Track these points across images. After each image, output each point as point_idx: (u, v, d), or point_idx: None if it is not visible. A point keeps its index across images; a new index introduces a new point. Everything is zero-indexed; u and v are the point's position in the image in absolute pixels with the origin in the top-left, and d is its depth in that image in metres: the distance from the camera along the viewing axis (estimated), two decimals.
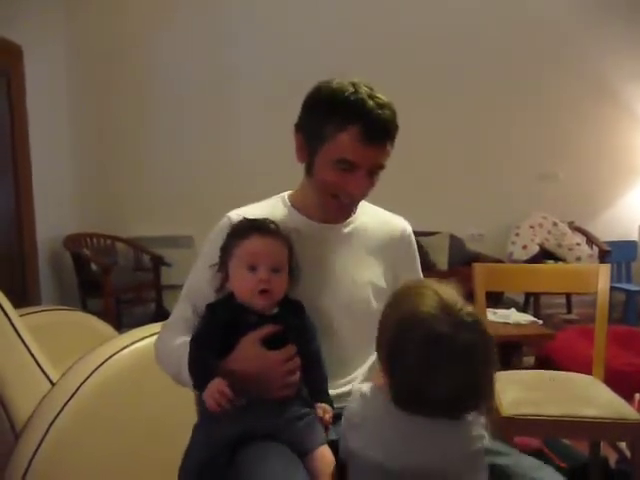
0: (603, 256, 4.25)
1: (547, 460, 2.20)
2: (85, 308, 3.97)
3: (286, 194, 1.30)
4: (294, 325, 1.09)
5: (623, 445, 2.24)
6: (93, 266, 4.03)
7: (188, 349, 1.05)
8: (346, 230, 1.25)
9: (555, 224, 4.46)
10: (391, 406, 0.93)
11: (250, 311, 1.07)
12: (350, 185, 1.14)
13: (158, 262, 4.25)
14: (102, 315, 2.81)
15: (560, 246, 4.36)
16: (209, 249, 1.18)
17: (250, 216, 1.16)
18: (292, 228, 1.17)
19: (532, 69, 4.63)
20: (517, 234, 4.40)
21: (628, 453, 2.13)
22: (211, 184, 4.41)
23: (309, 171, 1.20)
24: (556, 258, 4.31)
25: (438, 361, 0.88)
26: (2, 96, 3.65)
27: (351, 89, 1.11)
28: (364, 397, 0.99)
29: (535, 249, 4.31)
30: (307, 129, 1.17)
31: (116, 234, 4.44)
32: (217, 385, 0.99)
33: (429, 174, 4.56)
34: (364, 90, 1.11)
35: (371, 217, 1.31)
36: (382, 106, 1.10)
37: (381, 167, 1.15)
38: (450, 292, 0.93)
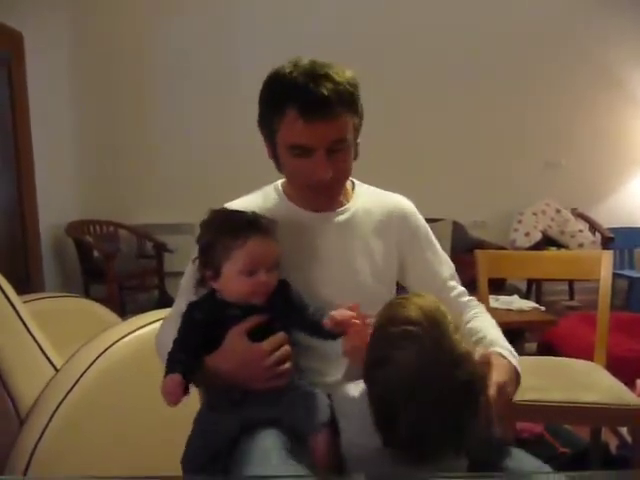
0: (606, 243, 4.24)
1: (548, 445, 2.22)
2: (88, 295, 3.98)
3: (280, 182, 1.26)
4: (280, 309, 1.06)
5: (624, 431, 2.25)
6: (96, 253, 4.04)
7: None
8: (342, 217, 1.21)
9: (558, 211, 4.45)
10: None
11: (233, 305, 1.04)
12: (313, 170, 1.08)
13: (161, 249, 4.26)
14: (105, 302, 2.82)
15: (563, 233, 4.35)
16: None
17: (242, 209, 1.12)
18: (284, 218, 1.14)
19: (536, 56, 4.59)
20: (520, 221, 4.39)
21: (629, 438, 2.14)
22: (214, 171, 4.41)
23: (278, 166, 1.17)
24: (559, 245, 4.30)
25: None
26: (3, 83, 3.64)
27: (288, 70, 1.06)
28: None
29: (538, 236, 4.30)
30: (262, 123, 1.14)
31: (119, 221, 4.45)
32: (170, 381, 0.98)
33: (432, 161, 4.55)
34: (303, 67, 1.05)
35: (368, 198, 1.26)
36: (319, 80, 1.03)
37: (341, 142, 1.08)
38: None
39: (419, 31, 4.46)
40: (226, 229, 1.04)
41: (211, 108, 4.49)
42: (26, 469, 1.40)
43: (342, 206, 1.22)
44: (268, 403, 1.02)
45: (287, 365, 1.04)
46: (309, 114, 1.03)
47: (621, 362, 2.43)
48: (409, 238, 1.26)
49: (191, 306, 1.07)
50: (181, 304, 1.14)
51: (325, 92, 1.03)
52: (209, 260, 1.05)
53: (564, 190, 4.62)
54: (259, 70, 1.20)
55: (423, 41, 4.46)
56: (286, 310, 1.07)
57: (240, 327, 1.03)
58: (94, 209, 4.41)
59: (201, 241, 1.07)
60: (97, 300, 2.66)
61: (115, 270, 3.87)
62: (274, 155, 1.15)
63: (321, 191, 1.13)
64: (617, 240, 4.27)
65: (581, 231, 4.37)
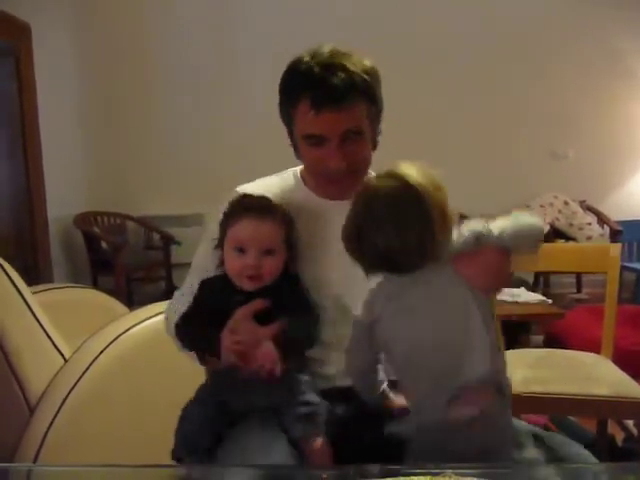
0: (614, 235, 4.21)
1: None
2: (96, 286, 4.00)
3: (299, 168, 1.26)
4: (285, 299, 1.06)
5: (630, 423, 2.25)
6: (104, 244, 4.06)
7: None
8: None
9: (566, 203, 4.42)
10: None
11: (237, 289, 1.06)
12: (327, 160, 1.09)
13: (168, 240, 4.28)
14: (113, 293, 2.84)
15: (571, 225, 4.33)
16: (214, 225, 1.17)
17: (256, 191, 1.14)
18: (299, 203, 1.15)
19: (544, 47, 4.54)
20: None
21: (635, 431, 2.14)
22: (222, 162, 4.40)
23: (296, 154, 1.18)
24: (567, 237, 4.28)
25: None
26: (11, 75, 3.65)
27: (304, 59, 1.07)
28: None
29: (546, 228, 4.28)
30: (281, 112, 1.15)
31: (126, 212, 4.46)
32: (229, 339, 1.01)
33: (438, 152, 4.50)
34: (319, 57, 1.06)
35: None
36: (333, 69, 1.04)
37: (355, 131, 1.08)
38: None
39: (419, 15, 4.42)
40: (228, 209, 1.09)
41: (219, 99, 4.49)
42: (36, 457, 1.42)
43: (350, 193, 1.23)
44: (270, 389, 1.02)
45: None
46: (320, 104, 1.04)
47: (628, 355, 2.43)
48: None
49: (203, 283, 1.10)
50: (191, 283, 1.17)
51: (336, 82, 1.03)
52: (220, 240, 1.09)
53: (572, 182, 4.59)
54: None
55: (429, 29, 4.42)
56: (288, 305, 1.07)
57: (246, 308, 1.04)
58: (102, 201, 4.42)
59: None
60: (105, 291, 2.67)
61: (123, 262, 3.89)
62: (293, 143, 1.17)
63: (337, 180, 1.13)
64: (625, 233, 4.24)
65: (589, 224, 4.34)
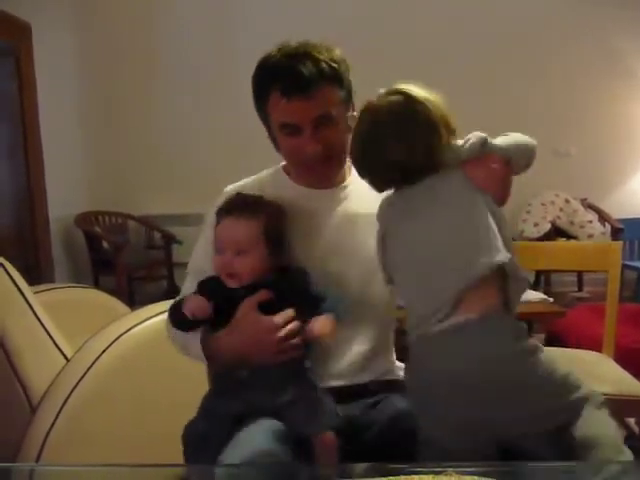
0: (615, 234, 4.21)
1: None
2: (97, 285, 4.01)
3: (281, 164, 1.29)
4: (288, 291, 1.08)
5: (632, 421, 2.25)
6: (105, 244, 4.06)
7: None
8: (343, 192, 1.23)
9: (567, 201, 4.42)
10: None
11: (232, 289, 1.08)
12: (302, 147, 1.12)
13: (169, 240, 4.28)
14: (114, 292, 2.84)
15: (572, 224, 4.33)
16: (205, 226, 1.21)
17: (244, 190, 1.18)
18: (287, 197, 1.17)
19: (546, 44, 4.54)
20: (528, 211, 4.37)
21: (637, 429, 2.14)
22: (222, 161, 4.40)
23: (276, 147, 1.21)
24: (568, 236, 4.28)
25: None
26: (11, 74, 3.66)
27: (272, 54, 1.12)
28: None
29: (547, 227, 4.28)
30: (256, 108, 1.19)
31: (127, 212, 4.47)
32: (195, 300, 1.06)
33: None
34: (285, 50, 1.11)
35: None
36: (300, 58, 1.08)
37: (326, 117, 1.11)
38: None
39: (419, 15, 4.42)
40: (217, 209, 1.14)
41: (219, 99, 4.49)
42: (38, 456, 1.42)
43: (343, 181, 1.24)
44: (271, 391, 1.03)
45: (296, 340, 1.06)
46: (290, 92, 1.08)
47: (629, 353, 2.42)
48: None
49: (201, 284, 1.12)
50: (189, 285, 1.18)
51: (303, 70, 1.07)
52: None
53: (573, 180, 4.58)
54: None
55: (424, 26, 4.42)
56: (291, 296, 1.08)
57: (251, 300, 1.06)
58: (103, 200, 4.43)
59: None
60: (106, 291, 2.68)
61: (124, 261, 3.90)
62: (271, 136, 1.20)
63: (316, 167, 1.16)
64: (627, 231, 4.24)
65: (590, 222, 4.34)
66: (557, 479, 0.89)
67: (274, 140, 1.20)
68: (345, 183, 1.24)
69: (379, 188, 1.06)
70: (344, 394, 1.11)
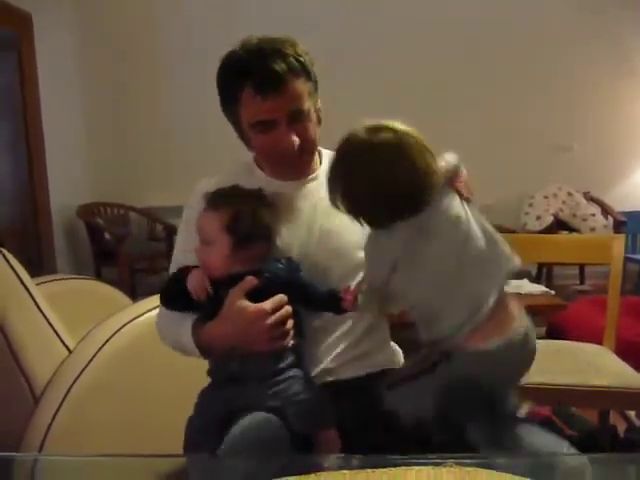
0: (618, 227, 4.20)
1: (556, 428, 2.23)
2: (99, 277, 4.02)
3: (250, 157, 1.28)
4: (276, 279, 1.07)
5: (632, 414, 2.26)
6: (107, 235, 4.07)
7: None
8: (314, 183, 1.22)
9: (570, 194, 4.41)
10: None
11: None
12: (278, 143, 1.12)
13: (171, 231, 4.28)
14: (116, 284, 2.84)
15: (574, 216, 4.32)
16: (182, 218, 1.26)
17: (219, 184, 1.17)
18: (266, 190, 1.16)
19: (549, 39, 4.52)
20: (531, 204, 4.36)
21: (637, 422, 2.15)
22: (225, 154, 4.38)
23: (247, 146, 1.21)
24: (570, 229, 4.27)
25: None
26: (12, 64, 3.65)
27: (238, 52, 1.11)
28: None
29: (549, 220, 4.27)
30: (224, 108, 1.19)
31: (129, 203, 4.47)
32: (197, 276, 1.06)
33: (442, 145, 4.49)
34: (250, 47, 1.10)
35: None
36: (268, 56, 1.08)
37: (300, 111, 1.12)
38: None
39: (423, 6, 4.39)
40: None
41: None
42: (41, 446, 1.43)
43: (313, 172, 1.25)
44: (264, 381, 1.02)
45: (288, 326, 1.05)
46: (264, 89, 1.08)
47: (630, 346, 2.43)
48: None
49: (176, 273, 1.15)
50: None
51: (275, 66, 1.07)
52: None
53: (576, 173, 4.57)
54: None
55: (436, 23, 4.40)
56: (282, 283, 1.07)
57: (239, 288, 1.05)
58: (105, 192, 4.43)
59: None
60: (108, 282, 2.68)
61: (126, 252, 3.91)
62: (241, 136, 1.20)
63: (291, 162, 1.17)
64: (629, 224, 4.23)
65: (593, 215, 4.33)
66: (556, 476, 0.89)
67: (244, 139, 1.20)
68: (316, 173, 1.24)
69: (384, 222, 0.99)
70: (339, 389, 1.10)
